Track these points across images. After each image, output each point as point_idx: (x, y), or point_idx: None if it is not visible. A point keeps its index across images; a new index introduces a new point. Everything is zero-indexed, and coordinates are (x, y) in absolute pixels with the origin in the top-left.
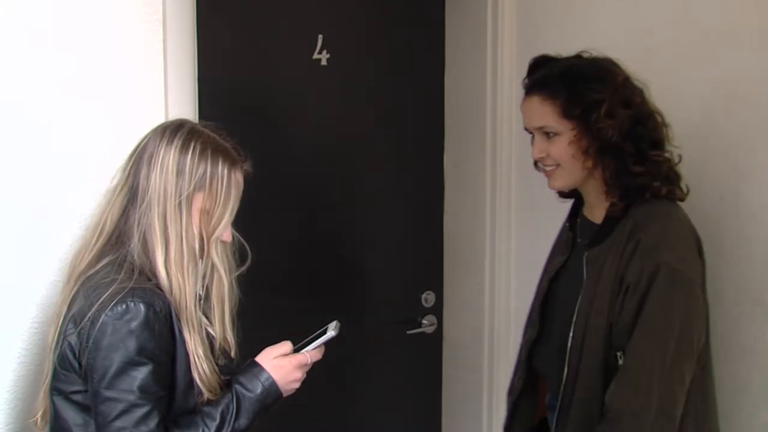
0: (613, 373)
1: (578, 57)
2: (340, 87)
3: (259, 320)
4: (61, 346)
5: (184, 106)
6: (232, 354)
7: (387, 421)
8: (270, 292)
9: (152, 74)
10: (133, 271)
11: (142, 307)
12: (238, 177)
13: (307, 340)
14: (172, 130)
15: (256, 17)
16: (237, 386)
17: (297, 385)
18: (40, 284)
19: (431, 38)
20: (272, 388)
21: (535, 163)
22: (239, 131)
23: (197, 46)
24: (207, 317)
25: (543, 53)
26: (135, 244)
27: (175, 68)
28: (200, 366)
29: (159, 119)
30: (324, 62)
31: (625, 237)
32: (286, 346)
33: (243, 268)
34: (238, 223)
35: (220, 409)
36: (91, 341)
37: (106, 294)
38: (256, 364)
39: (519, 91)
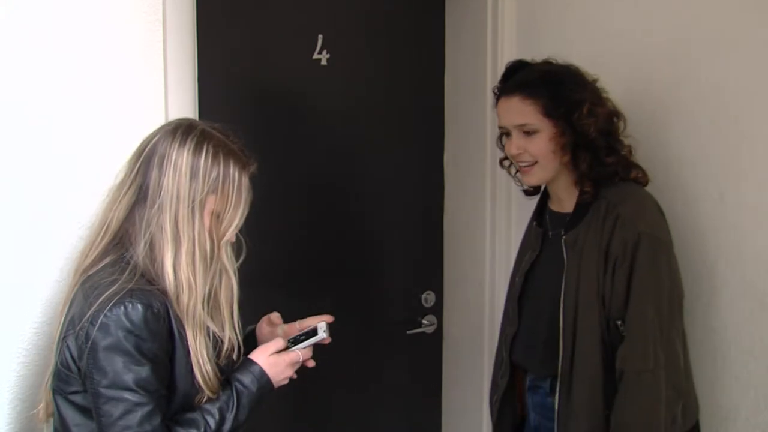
0: (613, 342)
1: (548, 63)
2: (340, 87)
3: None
4: (61, 347)
5: (184, 106)
6: (236, 357)
7: (387, 421)
8: (269, 292)
9: (152, 74)
10: (134, 272)
11: (140, 307)
12: (246, 180)
13: (297, 336)
14: (183, 131)
15: (256, 17)
16: (235, 383)
17: (287, 381)
18: (40, 284)
19: (431, 38)
20: (268, 385)
21: (501, 162)
22: (239, 131)
23: (197, 46)
24: (213, 319)
25: (518, 58)
26: (141, 246)
27: (175, 68)
28: (204, 368)
29: (159, 119)
30: (324, 62)
31: (602, 215)
32: (279, 342)
33: (238, 262)
34: None
35: (219, 406)
36: (90, 342)
37: (105, 295)
38: (253, 362)
39: None
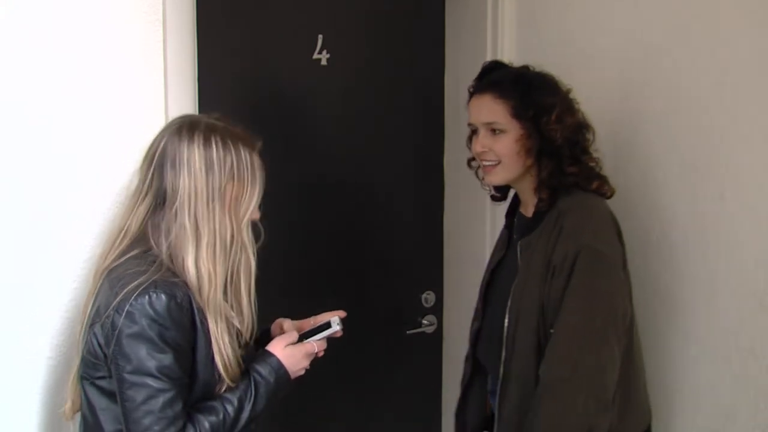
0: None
1: (526, 68)
2: (340, 87)
3: (259, 319)
4: (88, 336)
5: (184, 106)
6: (249, 337)
7: (387, 421)
8: (269, 292)
9: (152, 74)
10: (160, 265)
11: (164, 297)
12: (257, 159)
13: (311, 329)
14: (188, 128)
15: (256, 17)
16: (254, 374)
17: (303, 372)
18: (40, 284)
19: (431, 38)
20: (285, 376)
21: (469, 162)
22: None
23: (197, 46)
24: (233, 300)
25: (495, 59)
26: (164, 246)
27: (175, 68)
28: (225, 353)
29: (159, 119)
30: (324, 62)
31: (551, 224)
32: (293, 335)
33: (258, 245)
34: None
35: (238, 395)
36: (116, 330)
37: (131, 285)
38: (270, 354)
39: None
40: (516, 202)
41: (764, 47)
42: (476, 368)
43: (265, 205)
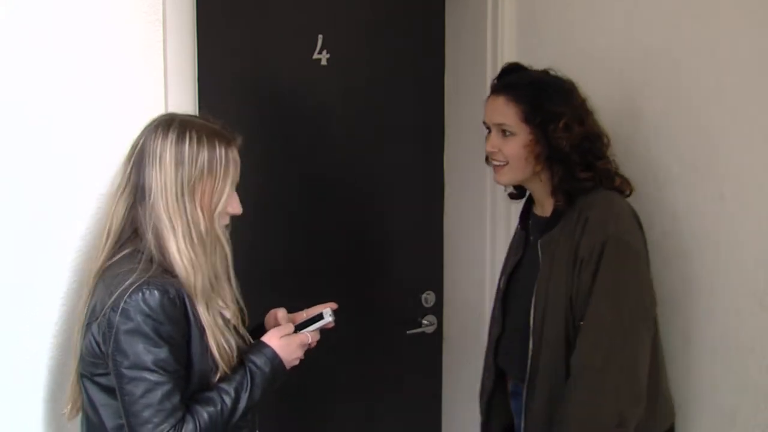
0: (576, 341)
1: (545, 73)
2: (340, 87)
3: (259, 317)
4: (86, 335)
5: (184, 106)
6: (242, 323)
7: (387, 420)
8: (269, 291)
9: (152, 74)
10: (151, 262)
11: (157, 293)
12: (234, 155)
13: (304, 321)
14: (164, 125)
15: (256, 17)
16: (249, 364)
17: (297, 362)
18: (39, 284)
19: (431, 38)
20: (280, 366)
21: (487, 158)
22: (238, 131)
23: (197, 46)
24: (219, 295)
25: (516, 61)
26: (150, 240)
27: (175, 68)
28: (219, 339)
29: None
30: (324, 62)
31: (574, 221)
32: (289, 327)
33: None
34: (241, 220)
35: (234, 386)
36: (113, 327)
37: (125, 284)
38: (265, 344)
39: None
40: (529, 203)
41: (764, 47)
42: (497, 376)
43: (265, 204)
